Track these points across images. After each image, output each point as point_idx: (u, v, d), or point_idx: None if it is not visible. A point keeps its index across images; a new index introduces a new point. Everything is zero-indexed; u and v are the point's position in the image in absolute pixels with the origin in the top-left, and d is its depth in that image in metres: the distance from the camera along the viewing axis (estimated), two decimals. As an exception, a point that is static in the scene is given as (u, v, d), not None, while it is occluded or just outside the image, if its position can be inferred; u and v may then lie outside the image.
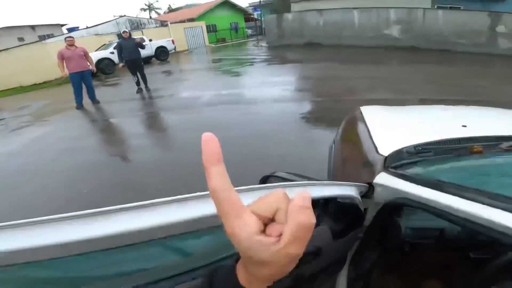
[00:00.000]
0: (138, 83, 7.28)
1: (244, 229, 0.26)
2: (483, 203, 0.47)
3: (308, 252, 0.60)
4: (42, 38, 20.24)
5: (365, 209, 0.71)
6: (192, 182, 2.80)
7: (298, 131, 3.84)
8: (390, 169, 0.75)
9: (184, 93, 6.83)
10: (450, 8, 12.50)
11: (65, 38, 6.25)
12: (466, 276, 0.80)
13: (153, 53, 14.47)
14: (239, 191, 0.38)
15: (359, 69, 7.62)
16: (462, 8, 12.49)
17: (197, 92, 6.61)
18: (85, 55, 6.32)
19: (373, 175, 0.77)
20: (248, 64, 10.84)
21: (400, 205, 0.68)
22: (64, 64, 6.13)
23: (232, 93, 6.16)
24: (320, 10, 13.99)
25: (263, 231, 0.27)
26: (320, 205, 0.66)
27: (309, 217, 0.26)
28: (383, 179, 0.71)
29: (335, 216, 0.66)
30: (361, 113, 1.56)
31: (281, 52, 13.09)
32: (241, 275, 0.30)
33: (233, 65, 10.87)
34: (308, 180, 0.77)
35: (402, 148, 0.85)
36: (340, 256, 0.73)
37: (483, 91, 5.05)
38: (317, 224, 0.62)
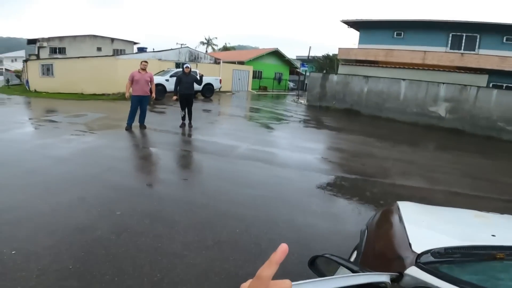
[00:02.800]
0: (183, 118, 7.66)
1: None
2: None
3: None
4: (116, 52, 22.80)
5: None
6: (217, 228, 2.95)
7: (324, 204, 3.88)
8: (420, 264, 0.89)
9: (221, 139, 7.07)
10: (506, 88, 11.91)
11: (141, 62, 6.76)
12: None
13: (200, 89, 15.33)
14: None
15: (395, 149, 7.63)
16: (519, 88, 11.73)
17: (233, 141, 6.82)
18: (150, 81, 6.80)
19: (404, 266, 0.94)
20: (285, 121, 11.20)
21: None
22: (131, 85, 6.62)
23: (266, 151, 6.29)
24: (366, 77, 13.86)
25: None
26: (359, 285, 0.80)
27: None
28: (414, 271, 0.87)
29: None
30: (398, 208, 1.67)
31: (319, 114, 13.33)
32: None
33: (270, 119, 11.26)
34: (354, 265, 0.94)
35: (434, 249, 0.99)
36: None
37: (517, 191, 4.87)
38: None
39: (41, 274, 2.09)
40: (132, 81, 6.59)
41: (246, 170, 5.00)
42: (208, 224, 3.02)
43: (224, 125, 9.44)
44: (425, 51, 14.51)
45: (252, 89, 25.56)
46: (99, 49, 24.48)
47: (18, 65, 29.97)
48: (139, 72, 6.63)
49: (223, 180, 4.40)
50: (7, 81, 21.62)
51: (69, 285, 2.02)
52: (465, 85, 11.28)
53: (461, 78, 12.67)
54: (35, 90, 16.55)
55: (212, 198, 3.71)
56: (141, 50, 19.69)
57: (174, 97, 7.57)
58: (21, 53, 36.18)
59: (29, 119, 9.11)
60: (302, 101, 18.17)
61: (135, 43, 28.00)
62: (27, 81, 17.50)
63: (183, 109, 7.55)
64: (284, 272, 2.48)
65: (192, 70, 7.57)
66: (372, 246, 1.48)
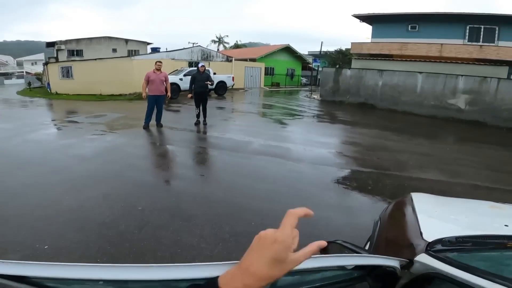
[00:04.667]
0: (198, 116, 7.84)
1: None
2: (495, 282, 0.67)
3: None
4: (130, 53, 23.42)
5: (399, 277, 0.89)
6: (233, 221, 3.05)
7: (338, 197, 3.91)
8: (431, 252, 0.91)
9: (235, 135, 7.17)
10: None
11: (155, 62, 6.97)
12: None
13: (213, 87, 15.64)
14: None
15: (412, 142, 7.47)
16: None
17: (247, 137, 6.91)
18: (165, 81, 6.98)
19: (414, 254, 0.95)
20: (298, 117, 11.17)
21: (432, 278, 0.85)
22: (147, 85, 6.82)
23: (280, 146, 6.33)
24: (381, 71, 13.74)
25: None
26: (368, 268, 0.82)
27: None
28: (423, 258, 0.89)
29: (375, 278, 0.83)
30: (411, 199, 1.67)
31: (332, 109, 13.23)
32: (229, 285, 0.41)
33: (283, 115, 11.25)
34: (364, 251, 1.00)
35: (445, 237, 1.01)
36: None
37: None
38: (361, 281, 0.81)
39: (71, 269, 2.22)
40: (148, 81, 6.78)
41: (261, 165, 5.07)
42: (224, 218, 3.12)
43: (238, 122, 9.55)
44: (441, 44, 14.30)
45: (264, 85, 25.62)
46: (114, 50, 25.17)
47: (38, 68, 31.20)
48: (154, 72, 6.81)
49: (238, 175, 4.50)
50: (29, 84, 22.55)
51: (96, 278, 2.14)
52: (485, 77, 11.07)
53: (481, 70, 12.44)
54: (56, 92, 17.24)
55: (228, 192, 3.82)
56: (155, 50, 20.15)
57: (189, 95, 7.76)
58: (41, 56, 37.51)
59: (52, 120, 9.59)
60: (316, 96, 18.08)
61: (148, 44, 28.60)
62: (48, 84, 18.25)
63: (197, 106, 7.71)
64: (299, 262, 2.53)
65: (209, 73, 7.79)
66: (384, 236, 1.50)
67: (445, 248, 0.95)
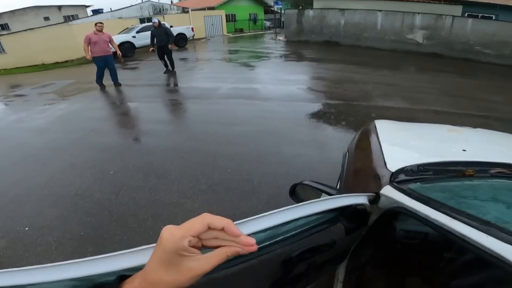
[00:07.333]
0: (166, 65, 8.11)
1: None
2: (453, 217, 0.66)
3: (326, 243, 0.75)
4: (67, 18, 20.73)
5: (369, 212, 0.87)
6: (209, 170, 3.04)
7: (310, 132, 3.97)
8: (394, 183, 0.88)
9: (201, 83, 6.99)
10: (481, 17, 12.39)
11: (95, 23, 6.43)
12: (440, 272, 0.98)
13: (173, 39, 14.62)
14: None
15: (375, 74, 7.62)
16: (494, 18, 12.31)
17: (214, 83, 6.76)
18: (110, 41, 6.57)
19: (380, 186, 0.91)
20: (265, 58, 10.88)
21: (397, 213, 0.83)
22: (89, 47, 6.39)
23: (248, 87, 6.27)
24: (342, 10, 13.97)
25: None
26: (339, 208, 0.79)
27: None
28: (388, 191, 0.85)
29: (348, 217, 0.81)
30: (375, 127, 1.66)
31: (298, 48, 13.04)
32: None
33: (250, 58, 10.92)
34: (332, 189, 0.96)
35: (407, 166, 0.99)
36: (346, 249, 0.90)
37: (495, 106, 5.10)
38: (335, 222, 0.79)
39: (58, 245, 2.17)
40: (89, 43, 6.35)
41: (231, 108, 5.00)
42: (199, 168, 3.09)
43: (203, 70, 9.13)
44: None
45: (228, 32, 24.35)
46: (46, 18, 22.28)
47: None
48: (95, 33, 6.37)
49: (208, 122, 4.41)
50: None
51: (86, 251, 2.10)
52: (440, 15, 11.68)
53: (437, 9, 12.84)
54: (-10, 70, 15.24)
55: (200, 141, 3.77)
56: (97, 12, 18.28)
57: (151, 49, 7.81)
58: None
59: (-5, 97, 8.53)
60: (281, 38, 17.68)
61: (87, 6, 25.44)
62: (-21, 62, 16.00)
63: (162, 58, 7.99)
64: (277, 206, 2.64)
65: (161, 23, 7.89)
66: (352, 168, 1.47)
67: (408, 178, 0.92)
